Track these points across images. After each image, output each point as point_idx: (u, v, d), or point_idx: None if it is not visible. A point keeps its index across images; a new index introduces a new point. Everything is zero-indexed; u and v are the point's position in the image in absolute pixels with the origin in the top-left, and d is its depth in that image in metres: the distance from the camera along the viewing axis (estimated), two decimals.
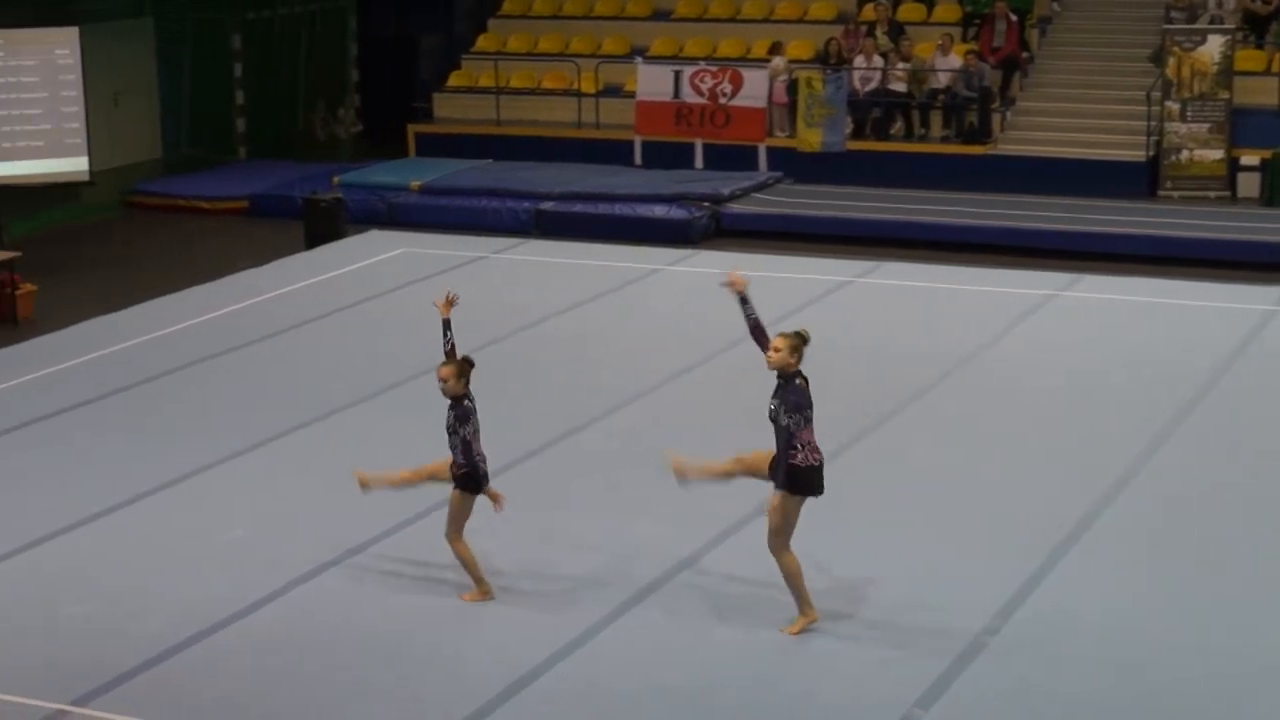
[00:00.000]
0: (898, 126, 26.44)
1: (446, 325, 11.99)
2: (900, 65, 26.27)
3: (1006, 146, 25.50)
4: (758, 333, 11.33)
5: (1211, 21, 25.43)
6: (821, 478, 11.25)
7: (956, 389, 16.39)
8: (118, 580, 12.43)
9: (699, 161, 25.74)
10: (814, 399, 11.23)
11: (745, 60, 27.29)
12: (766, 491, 11.36)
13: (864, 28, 27.12)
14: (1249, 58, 25.35)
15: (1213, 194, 24.33)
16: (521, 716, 10.45)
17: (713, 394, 16.09)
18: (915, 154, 25.88)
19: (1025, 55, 26.67)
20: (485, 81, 28.69)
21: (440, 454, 11.93)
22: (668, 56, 27.86)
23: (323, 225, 23.16)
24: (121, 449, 15.10)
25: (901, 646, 11.18)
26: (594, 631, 11.46)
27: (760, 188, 24.66)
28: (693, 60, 26.99)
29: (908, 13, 27.75)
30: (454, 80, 29.22)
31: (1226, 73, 24.60)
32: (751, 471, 11.54)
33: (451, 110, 28.77)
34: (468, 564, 11.90)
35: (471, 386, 11.79)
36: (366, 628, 11.62)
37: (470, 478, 11.72)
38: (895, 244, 22.41)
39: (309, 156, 28.72)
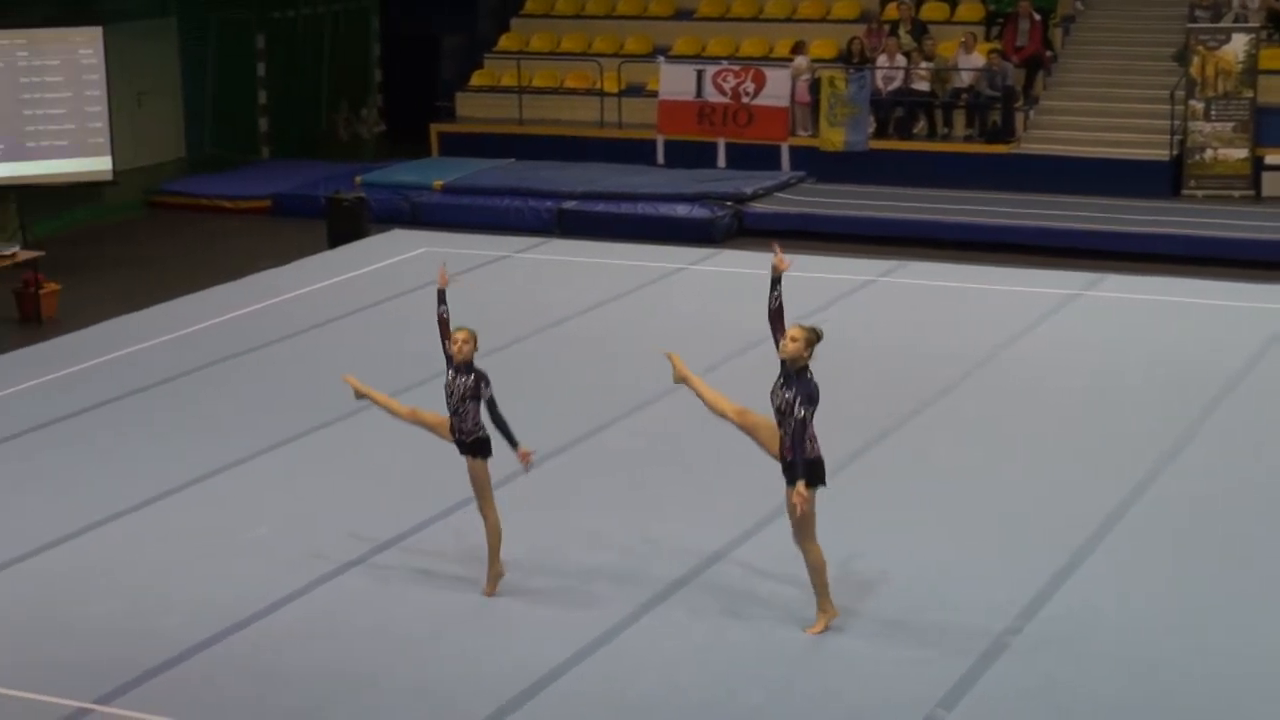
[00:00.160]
0: (920, 126, 26.38)
1: (442, 296, 12.05)
2: (923, 64, 26.23)
3: (1030, 146, 25.43)
4: (777, 318, 11.29)
5: (1236, 20, 25.35)
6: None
7: (979, 388, 16.36)
8: (140, 579, 12.46)
9: (721, 161, 25.72)
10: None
11: (768, 59, 27.26)
12: (783, 488, 11.30)
13: (887, 26, 27.06)
14: (1273, 56, 25.25)
15: (1237, 193, 24.24)
16: (542, 716, 10.44)
17: (735, 393, 15.97)
18: (938, 153, 25.83)
19: (1049, 54, 26.60)
20: (508, 81, 28.69)
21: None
22: (690, 56, 27.83)
23: (345, 225, 23.19)
24: (143, 448, 15.14)
25: (924, 646, 11.16)
26: (616, 631, 11.45)
27: (783, 187, 24.62)
28: (715, 59, 26.96)
29: (931, 11, 27.70)
30: (476, 79, 29.22)
31: (1251, 71, 24.51)
32: (753, 434, 11.45)
33: (474, 109, 28.77)
34: (493, 539, 11.92)
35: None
36: (388, 626, 11.63)
37: (483, 443, 11.78)
38: (918, 243, 22.37)
39: (332, 156, 28.75)
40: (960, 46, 26.16)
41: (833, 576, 11.52)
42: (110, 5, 25.41)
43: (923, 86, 26.27)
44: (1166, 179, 24.48)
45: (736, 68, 25.97)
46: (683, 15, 29.38)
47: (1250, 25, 25.12)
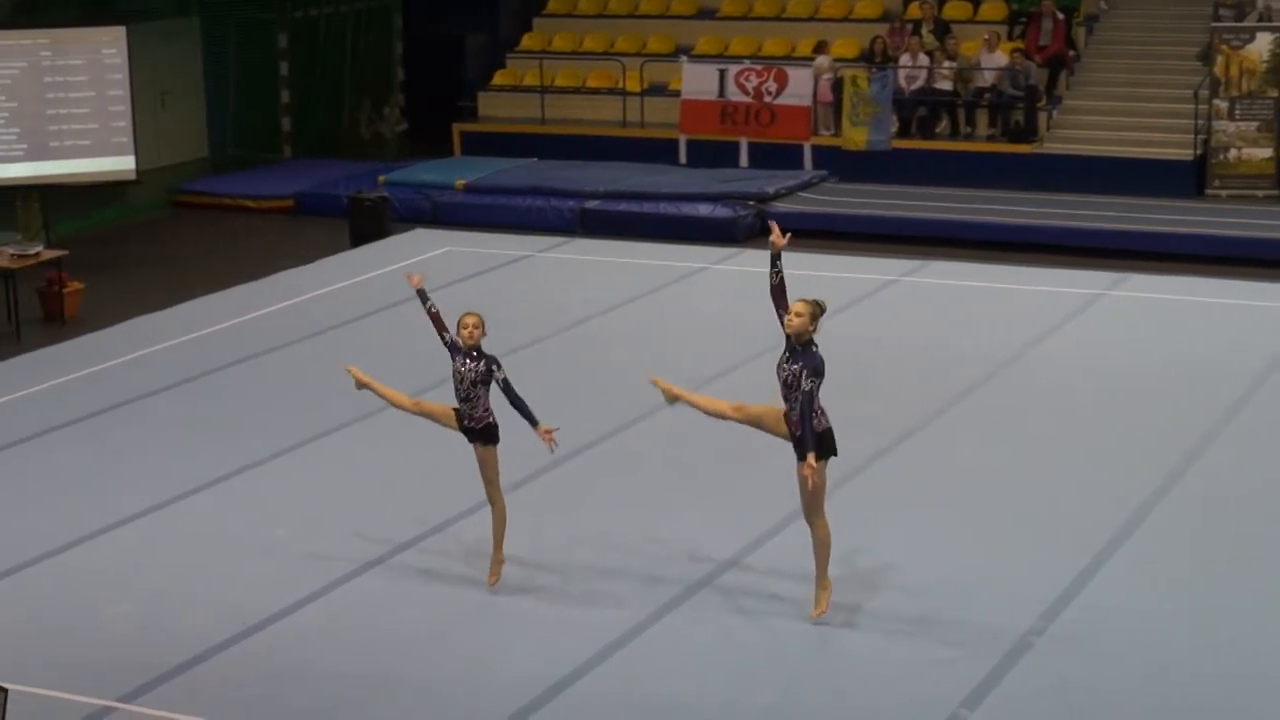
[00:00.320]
0: (943, 125, 26.34)
1: (422, 295, 12.06)
2: (946, 64, 26.18)
3: (1053, 145, 25.37)
4: (779, 293, 11.29)
5: (1260, 19, 25.26)
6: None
7: (1002, 388, 16.32)
8: (159, 579, 12.48)
9: (744, 160, 25.70)
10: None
11: (790, 59, 27.23)
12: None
13: (909, 26, 27.02)
14: None
15: (1261, 193, 24.16)
16: (561, 718, 10.43)
17: (758, 393, 15.97)
18: (961, 153, 25.78)
19: (1072, 53, 26.53)
20: (530, 80, 28.70)
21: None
22: (713, 55, 27.81)
23: (368, 224, 23.22)
24: (164, 448, 15.16)
25: (947, 646, 11.14)
26: (636, 632, 11.44)
27: (805, 186, 24.61)
28: (738, 59, 26.95)
29: (953, 11, 27.64)
30: (499, 79, 29.23)
31: (1275, 70, 24.42)
32: (758, 424, 11.48)
33: (496, 109, 28.79)
34: (500, 525, 11.96)
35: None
36: (405, 627, 11.63)
37: (493, 429, 11.81)
38: (940, 243, 22.33)
39: (354, 155, 28.78)
40: (983, 46, 26.11)
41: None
42: (133, 5, 25.47)
43: (945, 86, 26.22)
44: (1190, 179, 24.41)
45: (759, 67, 25.95)
46: (705, 14, 29.37)
47: (1274, 24, 25.02)
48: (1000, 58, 25.89)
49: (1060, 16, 26.22)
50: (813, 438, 11.03)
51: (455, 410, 11.93)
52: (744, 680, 10.78)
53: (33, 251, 19.97)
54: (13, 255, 19.70)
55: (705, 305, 19.41)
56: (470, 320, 11.79)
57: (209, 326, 18.91)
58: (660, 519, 13.24)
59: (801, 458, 11.06)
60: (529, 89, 28.56)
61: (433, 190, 25.09)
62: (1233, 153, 24.42)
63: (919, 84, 26.23)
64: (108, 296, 20.39)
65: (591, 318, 18.88)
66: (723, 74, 25.93)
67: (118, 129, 22.57)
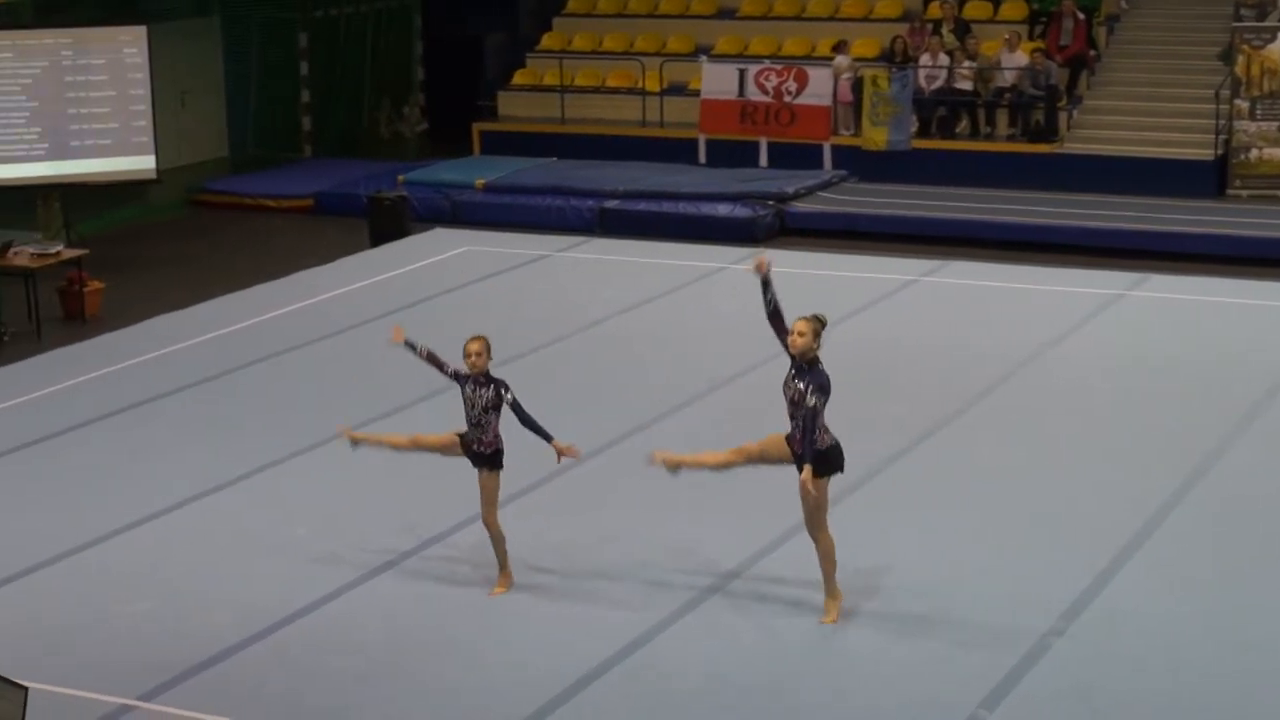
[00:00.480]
0: (963, 125, 26.30)
1: (409, 345, 12.19)
2: (966, 63, 26.14)
3: (1073, 145, 25.32)
4: (776, 319, 11.31)
5: None
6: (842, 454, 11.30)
7: (1022, 389, 16.30)
8: (179, 577, 12.50)
9: (763, 160, 25.67)
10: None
11: (810, 58, 27.20)
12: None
13: (930, 25, 26.99)
14: None
15: None
16: (582, 716, 10.44)
17: (777, 394, 16.00)
18: (981, 153, 25.72)
19: (1093, 53, 26.48)
20: (550, 80, 28.70)
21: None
22: (732, 55, 27.80)
23: (388, 223, 23.24)
24: (183, 447, 15.18)
25: (965, 647, 11.12)
26: (656, 631, 11.45)
27: (825, 186, 24.57)
28: (757, 58, 26.93)
29: (974, 10, 27.59)
30: (518, 78, 29.23)
31: None
32: (763, 459, 11.49)
33: (516, 109, 28.79)
34: (500, 546, 11.97)
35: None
36: (428, 626, 11.64)
37: (500, 455, 11.81)
38: (960, 243, 22.29)
39: (374, 155, 28.80)
40: (1003, 45, 26.06)
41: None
42: (154, 4, 25.50)
43: (966, 86, 26.18)
44: (1211, 179, 24.34)
45: (779, 67, 25.93)
46: (725, 14, 29.35)
47: None
48: (1021, 57, 25.84)
49: (1081, 16, 26.17)
50: (812, 451, 11.04)
51: (460, 436, 11.91)
52: (769, 681, 10.77)
53: (53, 251, 20.02)
54: (33, 254, 19.75)
55: (724, 305, 19.39)
56: (473, 348, 11.74)
57: (229, 326, 18.93)
58: (676, 521, 13.22)
59: (804, 461, 11.06)
60: (548, 89, 28.57)
61: (452, 190, 25.09)
62: (1254, 153, 24.36)
63: (939, 84, 26.19)
64: (128, 296, 20.42)
65: (610, 317, 18.88)
66: (742, 74, 25.91)
67: (138, 128, 22.62)
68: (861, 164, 25.22)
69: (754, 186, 24.04)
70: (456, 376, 11.84)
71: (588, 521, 13.22)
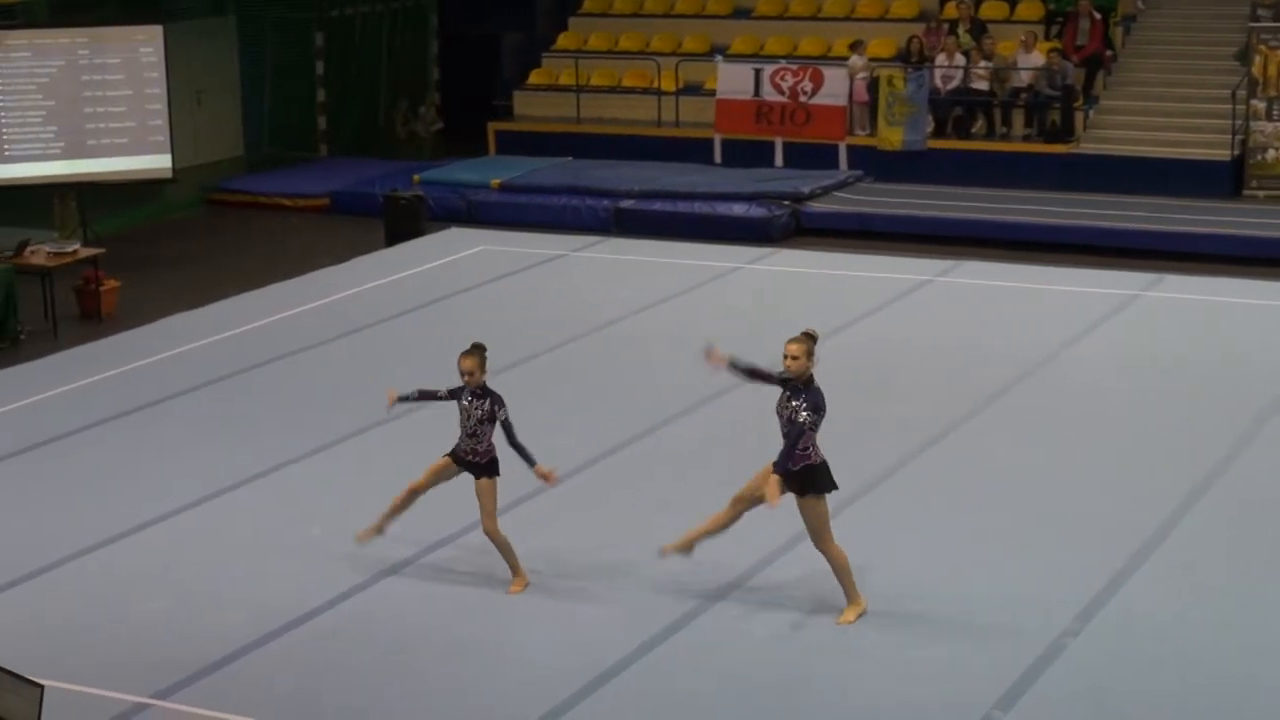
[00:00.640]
0: (979, 125, 26.27)
1: (402, 399, 12.33)
2: (982, 63, 26.11)
3: (1089, 145, 25.29)
4: (756, 376, 11.34)
5: None
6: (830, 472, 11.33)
7: (1037, 389, 16.28)
8: (194, 576, 12.52)
9: (779, 160, 25.67)
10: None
11: (826, 58, 27.18)
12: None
13: (946, 25, 26.96)
14: None
15: None
16: (598, 714, 10.44)
17: None
18: (997, 153, 25.69)
19: (1109, 53, 26.44)
20: (566, 80, 28.71)
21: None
22: (748, 55, 27.79)
23: (403, 223, 23.26)
24: (199, 446, 15.20)
25: (979, 648, 11.11)
26: (669, 632, 11.45)
27: (840, 186, 24.56)
28: (773, 58, 26.92)
29: (990, 10, 27.56)
30: (534, 78, 29.24)
31: None
32: (756, 494, 11.46)
33: (532, 108, 28.80)
34: (507, 550, 12.02)
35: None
36: (442, 625, 11.65)
37: (496, 463, 11.94)
38: (976, 243, 22.27)
39: (390, 154, 28.83)
40: (1020, 45, 26.03)
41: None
42: (170, 4, 25.55)
43: (982, 86, 26.15)
44: (1227, 179, 24.31)
45: (794, 67, 25.92)
46: (740, 14, 29.34)
47: None
48: (1037, 57, 25.81)
49: (1097, 16, 26.13)
50: (805, 475, 11.06)
51: (450, 455, 12.05)
52: (782, 679, 10.77)
53: (70, 249, 20.06)
54: (50, 253, 19.79)
55: (740, 305, 19.39)
56: (465, 365, 11.90)
57: (244, 325, 18.96)
58: (691, 522, 13.14)
59: (776, 469, 11.05)
60: (564, 88, 28.58)
61: (468, 189, 25.10)
62: (1270, 153, 24.31)
63: (955, 84, 26.17)
64: (144, 294, 20.46)
65: (625, 317, 18.88)
66: (758, 73, 25.90)
67: (154, 127, 22.66)
68: (877, 164, 25.21)
69: (769, 186, 24.03)
70: (451, 393, 11.97)
71: (601, 521, 13.22)
